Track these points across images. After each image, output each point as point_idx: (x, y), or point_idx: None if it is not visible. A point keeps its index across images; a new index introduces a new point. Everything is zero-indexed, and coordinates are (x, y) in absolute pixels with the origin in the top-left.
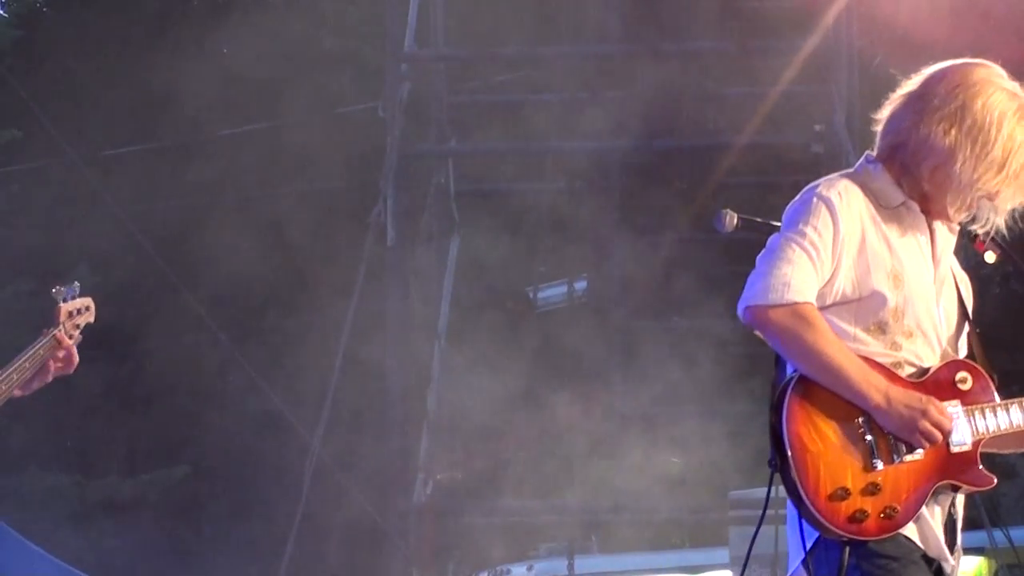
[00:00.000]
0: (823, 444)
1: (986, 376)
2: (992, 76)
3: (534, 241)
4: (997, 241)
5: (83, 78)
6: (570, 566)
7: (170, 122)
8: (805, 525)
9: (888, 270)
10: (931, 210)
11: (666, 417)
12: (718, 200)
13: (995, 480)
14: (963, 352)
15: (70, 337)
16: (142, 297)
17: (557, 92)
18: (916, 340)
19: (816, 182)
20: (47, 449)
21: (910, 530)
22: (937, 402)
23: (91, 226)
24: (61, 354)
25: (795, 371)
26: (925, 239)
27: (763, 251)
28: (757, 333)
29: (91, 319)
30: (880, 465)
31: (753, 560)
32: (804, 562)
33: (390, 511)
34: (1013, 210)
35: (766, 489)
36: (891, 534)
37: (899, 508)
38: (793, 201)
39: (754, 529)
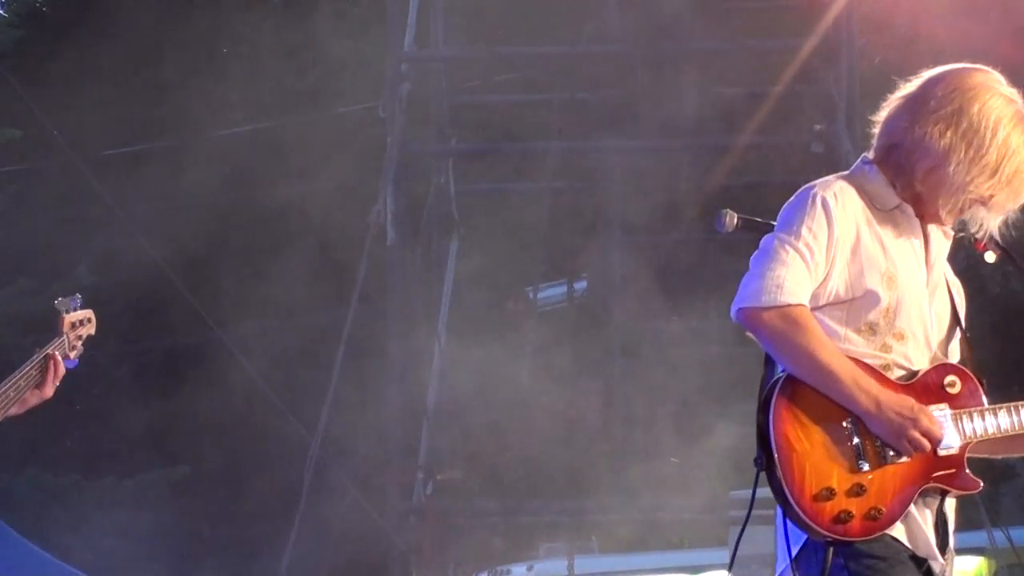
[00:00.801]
0: (809, 444)
1: (975, 380)
2: (990, 81)
3: (534, 241)
4: (997, 241)
5: (83, 78)
6: (570, 566)
7: (170, 122)
8: (791, 526)
9: (882, 271)
10: (924, 213)
11: (666, 417)
12: (718, 200)
13: (981, 484)
14: (954, 357)
15: (72, 348)
16: (141, 297)
17: (557, 92)
18: (907, 343)
19: (811, 183)
20: (47, 449)
21: (898, 530)
22: (928, 411)
23: (91, 226)
24: (60, 371)
25: (784, 371)
26: (919, 243)
27: (757, 252)
28: (749, 335)
29: (92, 331)
30: (866, 467)
31: (753, 560)
32: (791, 564)
33: (390, 511)
34: (1007, 219)
35: (763, 489)
36: (875, 535)
37: (884, 510)
38: (788, 202)
39: (754, 529)
